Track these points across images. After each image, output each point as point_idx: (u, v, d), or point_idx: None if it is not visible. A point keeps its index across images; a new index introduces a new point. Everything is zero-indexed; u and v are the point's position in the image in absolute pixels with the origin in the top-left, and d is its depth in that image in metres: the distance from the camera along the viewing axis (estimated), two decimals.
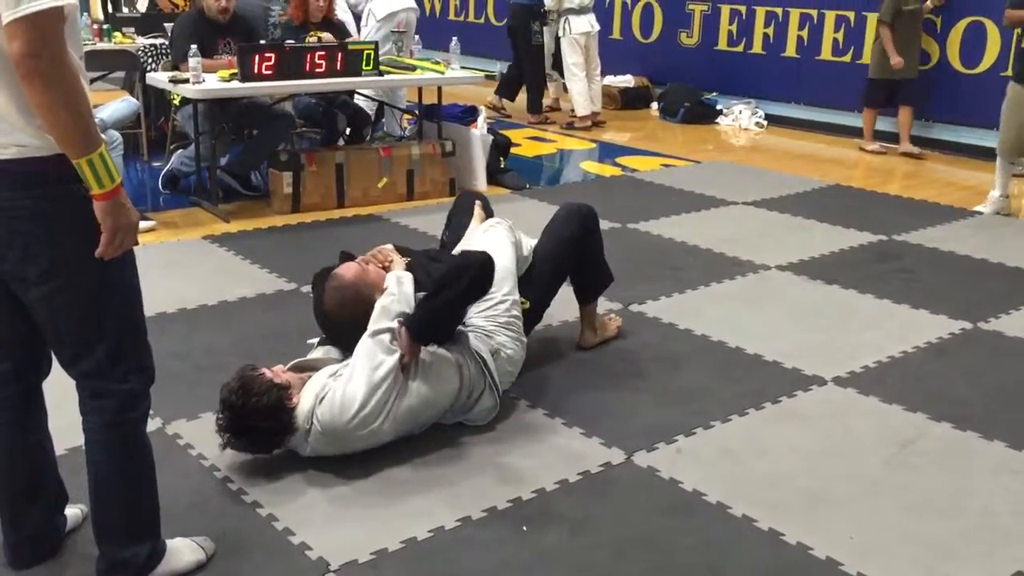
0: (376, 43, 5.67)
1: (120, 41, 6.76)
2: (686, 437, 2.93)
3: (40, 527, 2.28)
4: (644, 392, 3.25)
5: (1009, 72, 6.04)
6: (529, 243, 3.46)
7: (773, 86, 8.44)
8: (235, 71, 5.17)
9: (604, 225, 5.18)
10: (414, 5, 7.08)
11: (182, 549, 2.27)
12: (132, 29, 6.94)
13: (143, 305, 2.08)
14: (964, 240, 5.01)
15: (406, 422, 2.78)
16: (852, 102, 7.85)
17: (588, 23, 8.04)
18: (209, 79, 5.06)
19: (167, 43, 6.19)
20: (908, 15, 6.92)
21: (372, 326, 2.77)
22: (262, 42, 5.67)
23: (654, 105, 9.09)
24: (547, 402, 3.15)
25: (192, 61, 4.97)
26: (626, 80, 9.25)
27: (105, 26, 6.85)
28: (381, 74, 5.55)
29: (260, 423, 2.64)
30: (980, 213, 5.57)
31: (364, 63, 5.45)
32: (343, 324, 2.92)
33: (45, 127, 1.77)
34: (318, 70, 5.29)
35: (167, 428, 2.96)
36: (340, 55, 5.35)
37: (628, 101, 9.12)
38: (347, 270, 2.98)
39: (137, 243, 1.96)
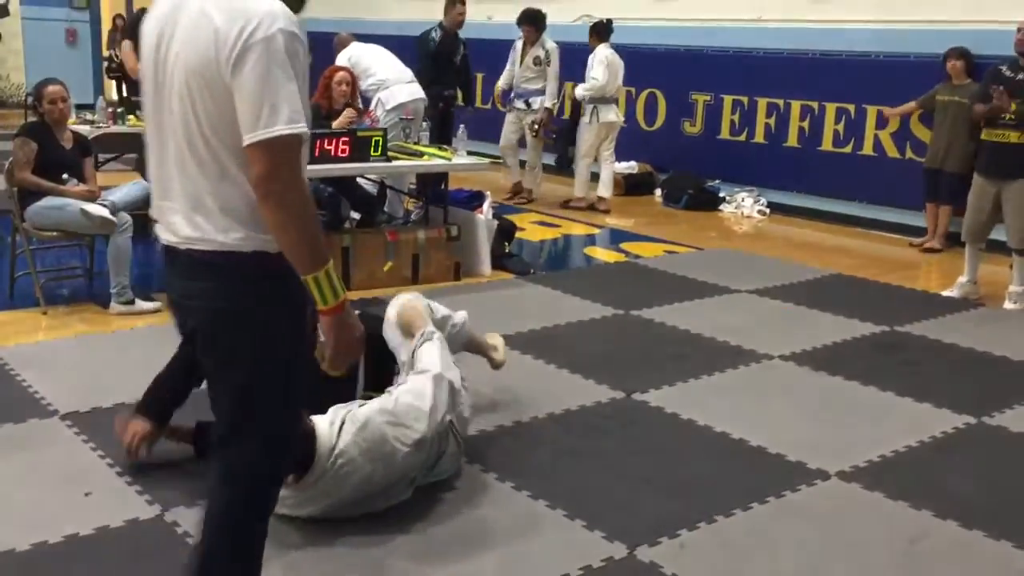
0: (385, 130, 5.78)
1: (134, 124, 6.89)
2: (689, 531, 2.90)
3: None
4: (647, 483, 3.23)
5: None
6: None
7: (775, 175, 8.55)
8: None
9: (607, 312, 5.27)
10: (423, 96, 7.25)
11: None
12: None
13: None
14: (967, 332, 5.02)
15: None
16: (853, 192, 7.97)
17: (615, 114, 8.32)
18: None
19: None
20: (954, 106, 6.94)
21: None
22: None
23: (657, 192, 9.20)
24: (548, 493, 3.12)
25: None
26: (630, 166, 9.38)
27: (119, 109, 6.99)
28: (389, 160, 5.64)
29: None
30: (951, 297, 5.68)
31: (373, 149, 5.55)
32: None
33: (277, 243, 1.84)
34: (329, 155, 5.39)
35: (165, 516, 2.93)
36: (350, 141, 5.46)
37: (631, 187, 9.24)
38: None
39: (358, 356, 1.98)
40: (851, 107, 7.97)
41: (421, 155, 5.94)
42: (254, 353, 1.93)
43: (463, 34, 8.17)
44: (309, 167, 5.69)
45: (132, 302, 4.96)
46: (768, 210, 8.48)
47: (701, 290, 5.75)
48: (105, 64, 14.96)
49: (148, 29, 1.94)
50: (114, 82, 14.63)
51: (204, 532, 2.06)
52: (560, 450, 3.49)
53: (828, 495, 3.18)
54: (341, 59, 7.33)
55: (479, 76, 9.76)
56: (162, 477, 3.14)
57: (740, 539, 2.88)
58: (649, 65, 9.40)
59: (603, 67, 8.12)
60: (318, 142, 5.39)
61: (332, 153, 5.42)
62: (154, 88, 1.94)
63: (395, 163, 5.74)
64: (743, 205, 8.59)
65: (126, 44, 7.48)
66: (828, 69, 8.08)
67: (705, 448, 3.54)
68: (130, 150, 6.96)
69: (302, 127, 1.81)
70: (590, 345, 4.69)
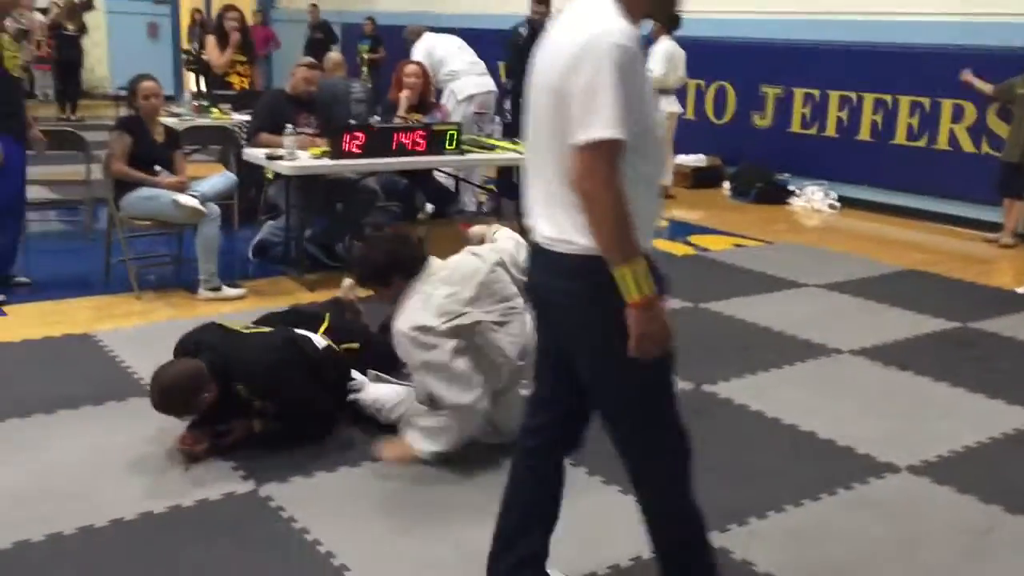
0: (460, 124, 5.92)
1: (217, 117, 7.15)
2: (758, 520, 2.98)
3: (536, 548, 2.46)
4: (715, 472, 3.29)
5: None
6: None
7: (846, 169, 8.50)
8: (326, 149, 5.45)
9: (675, 304, 5.34)
10: (494, 88, 7.38)
11: None
12: (228, 106, 7.33)
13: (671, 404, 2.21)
14: None
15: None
16: (927, 186, 7.89)
17: (677, 104, 8.37)
18: (302, 156, 5.34)
19: None
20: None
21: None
22: (352, 121, 5.97)
23: (725, 185, 9.21)
24: (619, 479, 3.22)
25: (287, 140, 5.25)
26: (698, 159, 9.40)
27: (204, 103, 7.25)
28: (463, 153, 5.78)
29: None
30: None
31: (448, 143, 5.70)
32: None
33: (592, 237, 1.98)
34: (404, 148, 5.55)
35: (259, 491, 3.10)
36: (425, 135, 5.61)
37: (699, 180, 9.27)
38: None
39: (671, 353, 2.10)
40: (926, 101, 7.89)
41: (493, 148, 6.07)
42: (613, 339, 2.02)
43: None
44: (385, 160, 5.87)
45: (219, 288, 5.18)
46: (839, 204, 8.44)
47: (770, 284, 5.79)
48: (184, 58, 15.42)
49: (538, 51, 2.14)
50: (193, 75, 15.09)
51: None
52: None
53: (898, 488, 3.23)
54: (418, 51, 7.49)
55: None
56: (255, 454, 3.32)
57: (809, 529, 2.95)
58: (719, 58, 9.39)
59: (661, 60, 8.18)
60: (395, 135, 5.56)
61: (408, 146, 5.58)
62: (530, 108, 2.14)
63: (468, 156, 5.87)
64: (813, 199, 8.56)
65: (210, 39, 7.77)
66: (902, 62, 8.00)
67: (774, 439, 3.61)
68: (214, 142, 7.23)
69: (617, 132, 1.91)
70: None
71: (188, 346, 3.46)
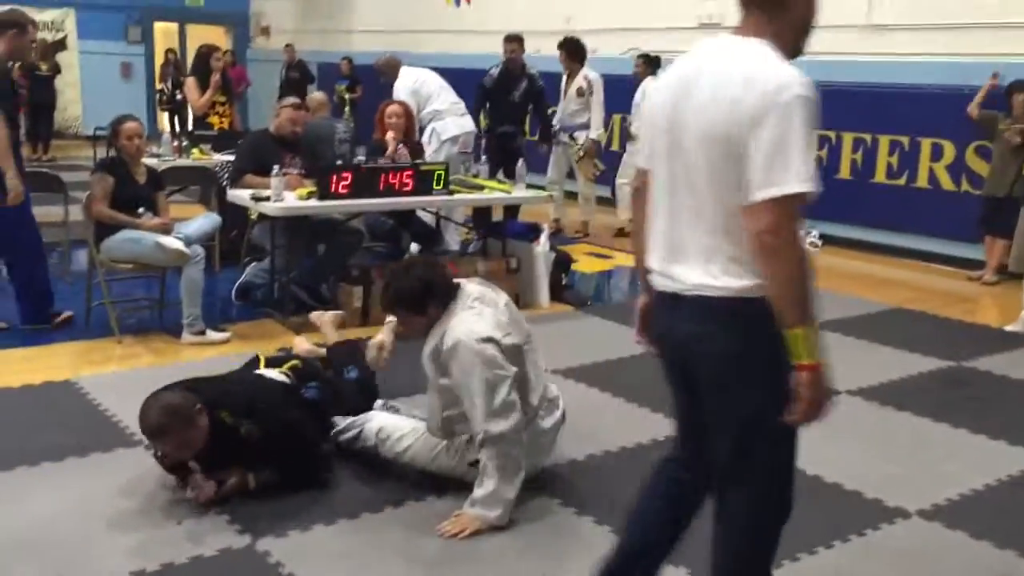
0: (447, 163, 5.88)
1: (197, 157, 7.06)
2: (776, 570, 2.90)
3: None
4: (709, 515, 3.23)
5: None
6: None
7: (827, 207, 8.48)
8: (312, 189, 5.38)
9: None
10: (474, 129, 7.38)
11: None
12: (208, 146, 7.25)
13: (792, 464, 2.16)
14: None
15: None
16: (907, 224, 7.94)
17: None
18: (288, 197, 5.26)
19: None
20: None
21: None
22: (339, 162, 5.91)
23: None
24: (604, 515, 3.14)
25: (274, 180, 5.17)
26: None
27: (184, 143, 7.16)
28: (451, 193, 5.73)
29: None
30: (1016, 332, 5.63)
31: (435, 182, 5.64)
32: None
33: (770, 293, 1.94)
34: (392, 189, 5.49)
35: (256, 546, 2.99)
36: (413, 174, 5.55)
37: None
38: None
39: (825, 416, 2.02)
40: (905, 139, 7.97)
41: (482, 188, 6.02)
42: (757, 388, 2.03)
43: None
44: (374, 200, 5.79)
45: (203, 332, 5.07)
46: (820, 242, 8.47)
47: None
48: (158, 96, 15.32)
49: (661, 98, 2.12)
50: (166, 114, 14.99)
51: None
52: (636, 485, 3.48)
53: (910, 534, 3.18)
54: (402, 87, 7.39)
55: None
56: (250, 506, 3.21)
57: None
58: None
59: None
60: (382, 176, 5.50)
61: (395, 187, 5.52)
62: (667, 151, 2.08)
63: (457, 196, 5.82)
64: None
65: (190, 80, 7.69)
66: (881, 101, 8.09)
67: None
68: (194, 182, 7.13)
69: (810, 186, 1.89)
70: (655, 377, 4.68)
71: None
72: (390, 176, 5.50)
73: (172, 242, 4.91)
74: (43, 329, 5.16)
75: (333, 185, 5.30)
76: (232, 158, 6.83)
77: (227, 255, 6.28)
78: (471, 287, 3.31)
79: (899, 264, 7.79)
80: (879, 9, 8.12)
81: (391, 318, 3.98)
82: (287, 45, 14.17)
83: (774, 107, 1.89)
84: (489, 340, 3.10)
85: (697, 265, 2.05)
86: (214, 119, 7.64)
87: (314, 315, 4.68)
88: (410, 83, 7.37)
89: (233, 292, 5.96)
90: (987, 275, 7.13)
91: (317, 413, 3.57)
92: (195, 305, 5.04)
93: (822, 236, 8.48)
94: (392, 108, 6.31)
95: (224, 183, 6.62)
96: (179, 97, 15.05)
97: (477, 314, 3.16)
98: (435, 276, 3.25)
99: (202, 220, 5.29)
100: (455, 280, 3.31)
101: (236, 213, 6.13)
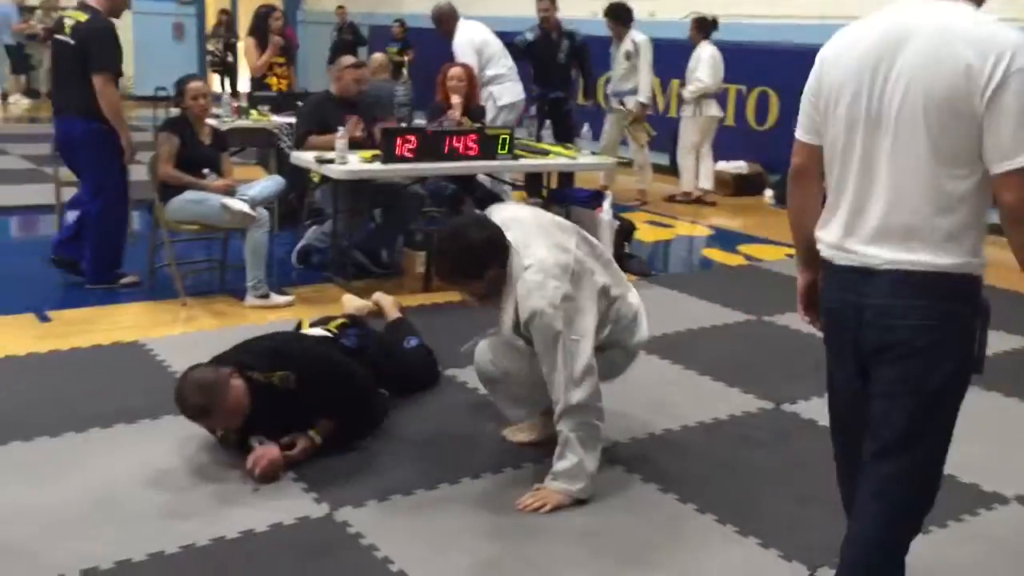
0: (512, 128, 5.76)
1: (256, 119, 7.00)
2: None
3: None
4: (815, 501, 3.11)
5: None
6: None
7: None
8: (377, 152, 5.29)
9: (737, 317, 5.16)
10: (524, 95, 7.27)
11: None
12: (267, 107, 7.18)
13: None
14: None
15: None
16: None
17: (717, 108, 8.34)
18: (352, 160, 5.18)
19: None
20: None
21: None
22: (402, 124, 5.82)
23: (767, 192, 9.02)
24: (716, 507, 3.05)
25: (339, 143, 5.09)
26: (739, 166, 9.22)
27: (243, 104, 7.10)
28: (516, 158, 5.61)
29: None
30: None
31: (500, 147, 5.53)
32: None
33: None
34: (457, 153, 5.39)
35: (335, 515, 2.93)
36: (477, 139, 5.44)
37: (740, 187, 9.08)
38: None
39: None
40: None
41: (547, 153, 5.90)
42: (949, 362, 2.00)
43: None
44: (439, 164, 5.71)
45: (267, 295, 5.03)
46: None
47: None
48: (209, 58, 15.30)
49: (857, 54, 2.01)
50: (216, 76, 14.99)
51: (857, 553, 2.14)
52: (716, 461, 3.41)
53: (1010, 519, 3.05)
54: (462, 44, 7.20)
55: None
56: (324, 474, 3.15)
57: (927, 564, 2.75)
58: (760, 63, 9.20)
59: (708, 67, 8.04)
60: (447, 139, 5.39)
61: (460, 151, 5.42)
62: (865, 117, 1.99)
63: (522, 161, 5.70)
64: None
65: (249, 40, 7.61)
66: None
67: None
68: (254, 144, 7.08)
69: None
70: (727, 351, 4.59)
71: None
72: (454, 140, 5.40)
73: (238, 204, 4.85)
74: (110, 288, 5.15)
75: (398, 148, 5.21)
76: (292, 120, 6.79)
77: (286, 217, 6.22)
78: (511, 233, 3.04)
79: None
80: None
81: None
82: (339, 7, 14.06)
83: (1015, 74, 1.82)
84: (566, 298, 2.93)
85: (901, 240, 1.96)
86: (272, 80, 7.56)
87: (375, 296, 4.56)
88: (471, 41, 7.16)
89: (293, 255, 5.91)
90: None
91: (361, 360, 3.51)
92: (259, 268, 4.99)
93: None
94: (455, 71, 6.17)
95: (283, 145, 6.56)
96: (230, 59, 15.08)
97: (540, 272, 2.94)
98: (491, 235, 3.00)
99: (266, 182, 5.22)
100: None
101: (296, 175, 6.05)
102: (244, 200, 4.91)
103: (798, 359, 4.52)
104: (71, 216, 5.52)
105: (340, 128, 5.14)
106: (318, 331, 3.59)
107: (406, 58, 13.03)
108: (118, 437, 3.42)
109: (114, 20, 5.02)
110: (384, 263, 5.85)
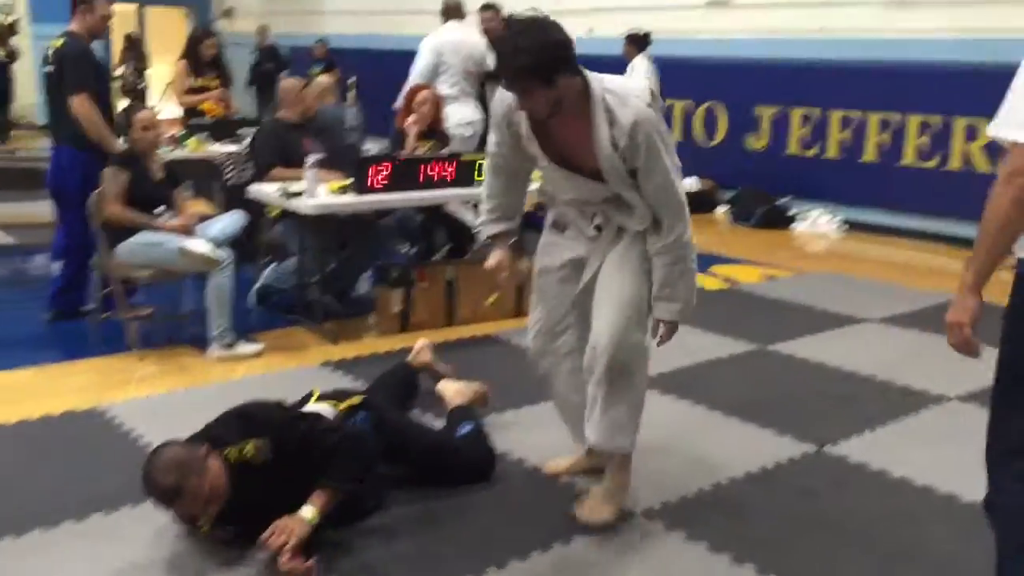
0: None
1: (194, 148, 6.46)
2: None
3: None
4: (907, 560, 2.83)
5: None
6: None
7: (850, 191, 8.21)
8: (345, 183, 4.86)
9: (741, 347, 4.88)
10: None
11: None
12: (205, 134, 6.65)
13: None
14: None
15: None
16: (940, 208, 7.62)
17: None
18: (321, 192, 4.73)
19: (245, 150, 5.91)
20: None
21: None
22: (373, 152, 5.40)
23: (720, 209, 8.85)
24: (766, 560, 2.73)
25: (308, 175, 4.64)
26: (691, 183, 9.01)
27: (180, 132, 6.55)
28: None
29: None
30: None
31: (477, 173, 5.15)
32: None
33: None
34: (432, 181, 4.99)
35: None
36: (454, 166, 5.06)
37: (694, 204, 8.81)
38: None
39: None
40: (936, 120, 7.64)
41: None
42: None
43: None
44: (414, 194, 5.30)
45: (233, 345, 4.53)
46: (845, 227, 8.14)
47: (827, 320, 5.37)
48: (121, 83, 14.48)
49: None
50: (127, 101, 14.17)
51: None
52: (781, 518, 3.08)
53: None
54: (427, 48, 6.80)
55: None
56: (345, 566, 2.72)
57: None
58: (706, 78, 9.06)
59: (648, 77, 7.88)
60: (422, 167, 5.00)
61: (436, 179, 5.02)
62: None
63: None
64: (818, 223, 8.25)
65: (181, 65, 7.05)
66: (908, 80, 7.75)
67: (938, 512, 3.15)
68: (194, 176, 6.52)
69: None
70: (746, 387, 4.29)
71: None
72: (430, 167, 5.00)
73: (199, 245, 4.36)
74: (70, 321, 4.93)
75: (371, 178, 4.79)
76: (233, 149, 6.30)
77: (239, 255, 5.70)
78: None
79: (935, 250, 7.45)
80: None
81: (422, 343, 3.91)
82: (260, 27, 13.46)
83: None
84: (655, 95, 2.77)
85: None
86: (207, 105, 7.02)
87: (439, 386, 3.83)
88: (431, 49, 6.75)
89: (251, 297, 5.40)
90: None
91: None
92: (225, 316, 4.49)
93: (845, 221, 8.18)
94: (424, 94, 5.77)
95: (228, 177, 6.05)
96: (141, 85, 14.29)
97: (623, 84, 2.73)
98: (565, 36, 2.57)
99: (228, 219, 4.73)
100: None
101: (248, 209, 5.56)
102: (205, 241, 4.42)
103: (819, 394, 4.25)
104: (56, 267, 5.12)
105: (308, 158, 4.68)
106: (323, 407, 3.08)
107: (334, 79, 12.52)
108: (95, 531, 2.90)
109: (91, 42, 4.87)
110: (351, 301, 5.40)
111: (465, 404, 3.59)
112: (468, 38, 6.81)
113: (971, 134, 7.43)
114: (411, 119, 5.76)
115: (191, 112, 7.11)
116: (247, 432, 2.76)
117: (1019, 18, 7.06)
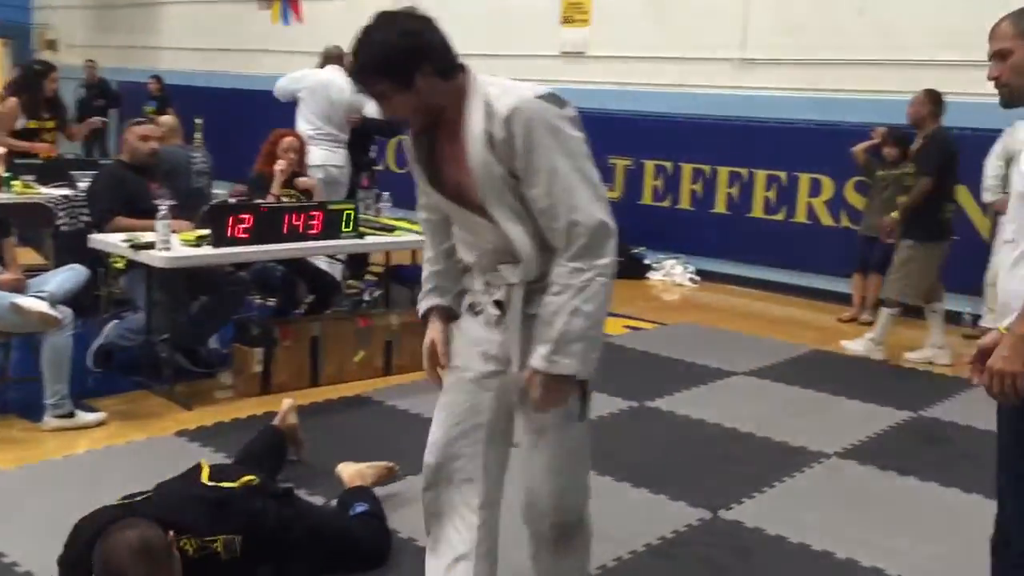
0: (356, 203, 5.12)
1: (20, 191, 5.88)
2: None
3: None
4: None
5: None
6: None
7: (702, 242, 8.38)
8: (202, 234, 4.49)
9: (619, 404, 4.78)
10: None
11: None
12: (32, 177, 6.07)
13: None
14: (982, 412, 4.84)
15: None
16: (786, 259, 7.88)
17: None
18: (176, 243, 4.34)
19: (81, 194, 5.43)
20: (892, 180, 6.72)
21: None
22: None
23: None
24: None
25: (160, 224, 4.23)
26: None
27: (5, 174, 5.94)
28: (361, 236, 4.97)
29: None
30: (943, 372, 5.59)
31: (344, 224, 4.88)
32: None
33: None
34: (297, 232, 4.69)
35: None
36: (320, 216, 4.77)
37: None
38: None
39: None
40: (782, 174, 7.92)
41: (392, 229, 5.29)
42: None
43: None
44: (278, 246, 4.99)
45: (72, 414, 4.06)
46: (698, 278, 8.29)
47: (699, 374, 5.37)
48: None
49: None
50: None
51: None
52: None
53: None
54: (289, 75, 6.56)
55: None
56: None
57: None
58: None
59: None
60: (286, 217, 4.69)
61: (300, 230, 4.72)
62: None
63: (368, 240, 5.06)
64: (672, 272, 8.37)
65: (11, 102, 6.45)
66: (757, 136, 8.02)
67: None
68: (22, 222, 5.91)
69: None
70: (632, 449, 4.18)
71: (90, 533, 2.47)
72: (294, 217, 4.69)
73: (34, 303, 3.89)
74: None
75: (230, 229, 4.44)
76: (67, 192, 5.79)
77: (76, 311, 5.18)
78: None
79: (785, 301, 7.67)
80: (751, 44, 8.06)
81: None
82: (88, 61, 12.66)
83: None
84: (549, 97, 2.12)
85: None
86: (42, 146, 6.43)
87: (338, 467, 3.49)
88: (290, 86, 6.54)
89: (89, 357, 4.88)
90: (863, 314, 6.99)
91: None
92: (62, 381, 4.02)
93: (698, 271, 8.34)
94: (289, 140, 5.45)
95: (61, 222, 5.53)
96: None
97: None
98: (428, 28, 2.09)
99: (66, 273, 4.26)
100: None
101: (83, 259, 5.07)
102: (41, 297, 3.95)
103: (705, 454, 4.20)
104: None
105: (162, 207, 4.28)
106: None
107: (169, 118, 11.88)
108: None
109: None
110: (204, 361, 4.98)
111: (362, 487, 3.30)
112: (335, 81, 6.54)
113: (815, 189, 7.74)
114: (278, 165, 5.42)
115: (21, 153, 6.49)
116: (219, 526, 2.49)
117: (863, 80, 7.41)
